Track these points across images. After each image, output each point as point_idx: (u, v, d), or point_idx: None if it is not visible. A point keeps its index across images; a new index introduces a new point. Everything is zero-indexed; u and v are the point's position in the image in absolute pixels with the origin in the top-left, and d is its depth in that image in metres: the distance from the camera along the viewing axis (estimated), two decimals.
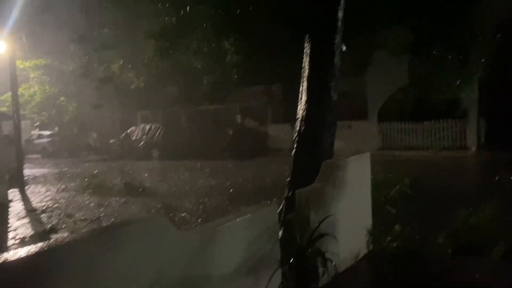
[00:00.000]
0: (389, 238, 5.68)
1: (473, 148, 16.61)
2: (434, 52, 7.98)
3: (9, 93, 14.33)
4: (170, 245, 2.79)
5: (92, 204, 9.86)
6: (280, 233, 4.40)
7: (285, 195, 5.75)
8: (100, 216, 8.57)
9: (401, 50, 8.58)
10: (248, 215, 3.56)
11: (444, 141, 17.33)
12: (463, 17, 7.55)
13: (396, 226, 6.09)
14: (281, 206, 5.63)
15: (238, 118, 23.19)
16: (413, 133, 17.95)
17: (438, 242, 5.54)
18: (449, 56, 8.04)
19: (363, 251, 5.43)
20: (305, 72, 5.79)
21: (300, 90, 5.85)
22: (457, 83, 8.50)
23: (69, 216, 8.74)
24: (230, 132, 22.03)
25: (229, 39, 8.07)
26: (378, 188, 8.35)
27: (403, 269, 5.03)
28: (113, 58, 15.73)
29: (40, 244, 2.19)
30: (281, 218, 5.13)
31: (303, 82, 5.82)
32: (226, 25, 7.14)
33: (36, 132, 28.12)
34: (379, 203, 7.63)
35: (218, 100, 23.66)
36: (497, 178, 10.20)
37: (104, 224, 7.83)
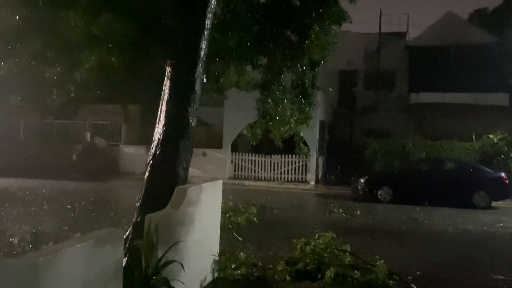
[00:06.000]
0: (234, 265, 5.84)
1: (312, 182, 18.37)
2: (277, 92, 8.80)
3: None
4: None
5: None
6: (125, 260, 4.17)
7: (134, 220, 5.50)
8: None
9: (252, 87, 9.21)
10: (90, 241, 3.28)
11: (288, 174, 18.81)
12: (305, 63, 8.53)
13: (241, 253, 6.30)
14: (127, 232, 5.36)
15: (88, 136, 21.69)
16: (262, 165, 19.08)
17: (279, 269, 5.89)
18: (291, 97, 8.99)
19: (209, 278, 5.47)
20: (165, 96, 5.74)
21: (159, 113, 5.76)
22: (299, 123, 9.56)
23: None
24: (77, 150, 20.43)
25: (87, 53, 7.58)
26: (227, 215, 8.62)
27: None
28: None
29: None
30: (128, 245, 4.89)
31: (162, 105, 5.75)
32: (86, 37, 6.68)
33: None
34: (227, 230, 7.86)
35: (67, 115, 21.87)
36: (329, 210, 11.45)
37: None
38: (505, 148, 16.36)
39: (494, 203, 13.76)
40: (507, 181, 14.06)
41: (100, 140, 21.27)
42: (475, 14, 31.45)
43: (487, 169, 14.47)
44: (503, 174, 14.22)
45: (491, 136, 17.09)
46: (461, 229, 10.17)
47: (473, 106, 20.39)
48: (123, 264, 3.83)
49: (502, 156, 16.25)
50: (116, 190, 14.05)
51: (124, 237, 4.79)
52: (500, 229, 10.27)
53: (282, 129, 9.36)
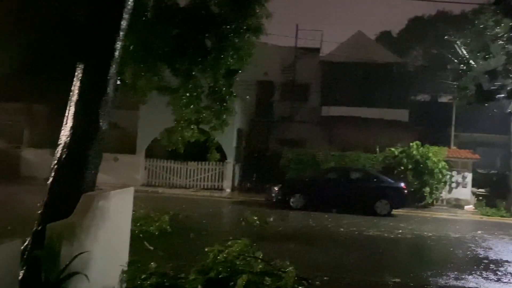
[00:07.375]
0: (143, 276, 5.64)
1: (228, 190, 18.46)
2: (184, 96, 8.87)
3: None
4: None
5: None
6: (22, 272, 3.85)
7: (34, 229, 5.09)
8: None
9: (170, 91, 9.12)
10: None
11: (204, 182, 18.72)
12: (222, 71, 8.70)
13: (152, 263, 6.11)
14: (26, 242, 4.94)
15: None
16: (177, 172, 18.76)
17: (190, 278, 5.80)
18: (205, 103, 9.13)
19: None
20: (74, 96, 5.41)
21: (66, 115, 5.41)
22: (214, 129, 9.70)
23: None
24: None
25: None
26: (138, 224, 8.33)
27: None
28: None
29: None
30: (26, 256, 4.52)
31: (70, 107, 5.41)
32: None
33: None
34: (138, 239, 7.58)
35: None
36: (243, 218, 11.56)
37: None
38: (405, 160, 17.80)
39: (394, 211, 14.89)
40: (406, 191, 15.32)
41: None
42: (382, 35, 34.04)
43: (389, 180, 15.63)
44: (402, 184, 15.46)
45: (392, 149, 18.50)
46: (364, 235, 10.85)
47: (378, 120, 21.97)
48: (20, 277, 3.53)
49: (402, 168, 17.67)
50: (15, 196, 12.92)
51: (22, 247, 4.42)
52: (399, 235, 11.13)
53: (186, 133, 9.44)
